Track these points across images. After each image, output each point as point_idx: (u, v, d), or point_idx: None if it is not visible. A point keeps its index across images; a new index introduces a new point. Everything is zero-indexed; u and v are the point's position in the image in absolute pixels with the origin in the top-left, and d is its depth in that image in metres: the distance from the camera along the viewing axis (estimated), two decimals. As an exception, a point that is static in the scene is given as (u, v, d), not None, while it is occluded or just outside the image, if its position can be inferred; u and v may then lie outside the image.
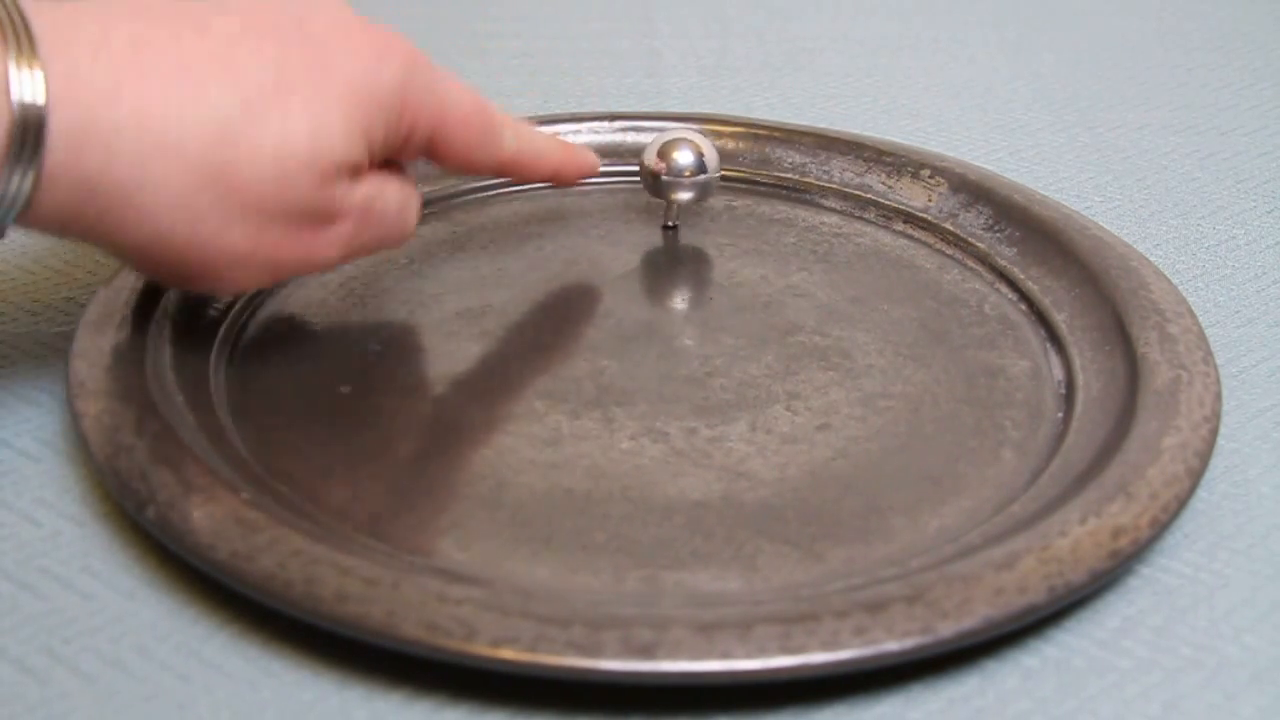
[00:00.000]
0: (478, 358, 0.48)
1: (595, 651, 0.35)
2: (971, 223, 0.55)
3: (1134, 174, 0.63)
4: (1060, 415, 0.46)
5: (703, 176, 0.54)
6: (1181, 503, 0.40)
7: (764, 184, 0.59)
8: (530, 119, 0.61)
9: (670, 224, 0.56)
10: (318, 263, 0.44)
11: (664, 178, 0.54)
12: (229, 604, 0.38)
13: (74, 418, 0.43)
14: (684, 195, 0.55)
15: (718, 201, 0.58)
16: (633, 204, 0.58)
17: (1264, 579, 0.40)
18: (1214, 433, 0.43)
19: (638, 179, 0.56)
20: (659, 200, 0.56)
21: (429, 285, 0.52)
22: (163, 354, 0.46)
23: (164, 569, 0.40)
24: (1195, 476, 0.41)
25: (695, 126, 0.59)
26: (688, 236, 0.56)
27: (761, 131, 0.60)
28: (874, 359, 0.48)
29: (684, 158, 0.54)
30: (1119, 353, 0.47)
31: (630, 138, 0.61)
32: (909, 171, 0.58)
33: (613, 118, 0.61)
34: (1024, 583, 0.37)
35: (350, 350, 0.48)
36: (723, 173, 0.58)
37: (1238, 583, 0.40)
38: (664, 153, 0.54)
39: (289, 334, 0.49)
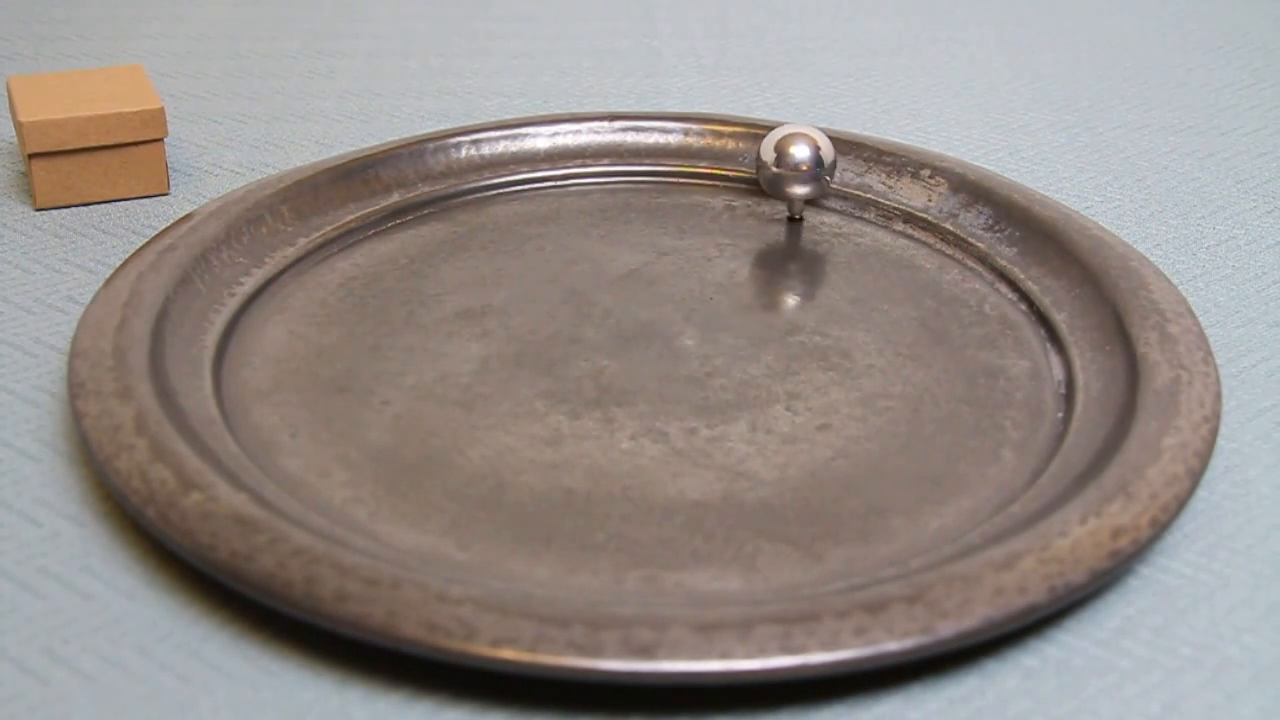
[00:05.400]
0: (478, 358, 0.48)
1: (595, 651, 0.35)
2: (971, 223, 0.55)
3: (1134, 174, 0.63)
4: (1060, 415, 0.46)
5: (820, 170, 0.55)
6: (1181, 503, 0.40)
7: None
8: (530, 119, 0.61)
9: (797, 216, 0.57)
10: None
11: (781, 173, 0.54)
12: (229, 604, 0.38)
13: (74, 418, 0.43)
14: (801, 190, 0.55)
15: (717, 201, 0.58)
16: (633, 204, 0.58)
17: (1264, 579, 0.40)
18: (1214, 433, 0.43)
19: (638, 179, 0.56)
20: (776, 199, 0.56)
21: (429, 285, 0.52)
22: (162, 354, 0.46)
23: (164, 569, 0.40)
24: (1195, 476, 0.41)
25: (700, 126, 0.59)
26: (688, 236, 0.56)
27: (761, 131, 0.60)
28: (874, 359, 0.48)
29: (800, 152, 0.54)
30: (1119, 353, 0.47)
31: (630, 138, 0.61)
32: (909, 171, 0.58)
33: (613, 118, 0.61)
34: (1024, 583, 0.37)
35: (350, 350, 0.48)
36: (724, 173, 0.58)
37: (1238, 583, 0.40)
38: (780, 148, 0.54)
39: (288, 334, 0.49)
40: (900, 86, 0.72)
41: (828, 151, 0.55)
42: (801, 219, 0.56)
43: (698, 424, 0.45)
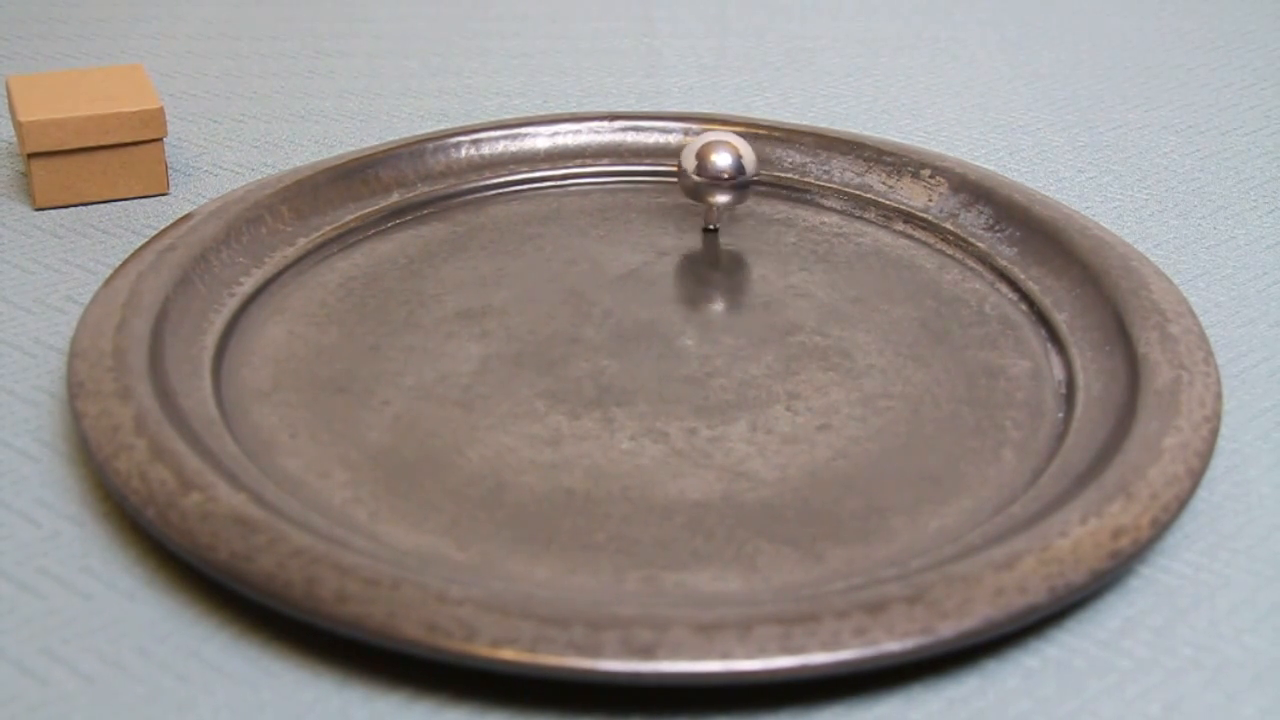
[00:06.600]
0: (478, 358, 0.48)
1: (595, 651, 0.35)
2: (971, 223, 0.55)
3: (1134, 174, 0.63)
4: (1061, 415, 0.46)
5: (741, 179, 0.54)
6: (1182, 503, 0.40)
7: (764, 184, 0.59)
8: (530, 119, 0.61)
9: (711, 227, 0.56)
10: None
11: (702, 180, 0.54)
12: (229, 604, 0.38)
13: (74, 418, 0.43)
14: (722, 198, 0.54)
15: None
16: (633, 204, 0.58)
17: (1265, 579, 0.40)
18: (1215, 433, 0.43)
19: (638, 179, 0.56)
20: (697, 203, 0.56)
21: (429, 285, 0.52)
22: (161, 354, 0.46)
23: (164, 569, 0.40)
24: (1196, 476, 0.41)
25: (695, 126, 0.59)
26: (688, 236, 0.56)
27: (761, 131, 0.60)
28: (874, 359, 0.48)
29: (722, 160, 0.54)
30: (1120, 353, 0.47)
31: (630, 138, 0.61)
32: (909, 171, 0.58)
33: (613, 118, 0.61)
34: (1024, 583, 0.37)
35: (350, 350, 0.48)
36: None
37: (1238, 583, 0.40)
38: (702, 155, 0.54)
39: (288, 334, 0.49)
40: (900, 86, 0.71)
41: (749, 159, 0.54)
42: (717, 230, 0.56)
43: (698, 424, 0.45)
